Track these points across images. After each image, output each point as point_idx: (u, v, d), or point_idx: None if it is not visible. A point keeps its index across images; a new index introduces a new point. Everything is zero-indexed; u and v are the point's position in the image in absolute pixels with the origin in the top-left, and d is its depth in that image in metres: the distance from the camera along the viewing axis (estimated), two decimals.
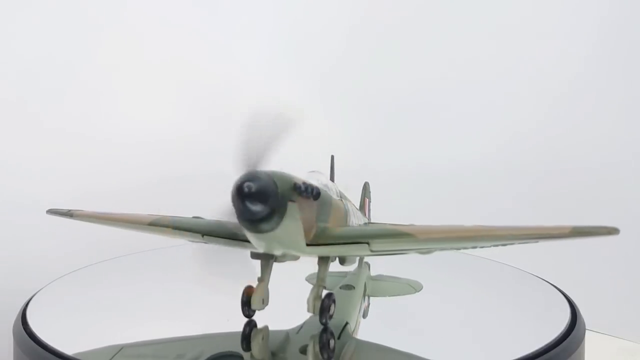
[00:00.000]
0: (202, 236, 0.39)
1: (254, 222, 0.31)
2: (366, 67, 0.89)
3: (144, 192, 0.76)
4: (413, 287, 0.55)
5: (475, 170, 0.85)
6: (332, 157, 0.55)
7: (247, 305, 0.39)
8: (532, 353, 0.40)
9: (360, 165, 0.80)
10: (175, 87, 0.83)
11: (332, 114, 0.88)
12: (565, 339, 0.42)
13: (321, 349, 0.37)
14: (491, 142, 0.85)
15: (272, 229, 0.32)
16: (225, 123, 0.83)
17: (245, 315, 0.39)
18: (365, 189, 0.64)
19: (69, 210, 0.47)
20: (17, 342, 0.43)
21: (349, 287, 0.53)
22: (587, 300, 0.52)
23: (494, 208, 0.80)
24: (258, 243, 0.34)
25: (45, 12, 0.73)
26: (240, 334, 0.39)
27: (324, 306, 0.37)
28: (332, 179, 0.51)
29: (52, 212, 0.48)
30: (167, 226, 0.41)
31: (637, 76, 0.79)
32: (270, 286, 0.46)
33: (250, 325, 0.39)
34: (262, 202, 0.30)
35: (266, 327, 0.40)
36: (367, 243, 0.36)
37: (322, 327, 0.37)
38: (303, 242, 0.34)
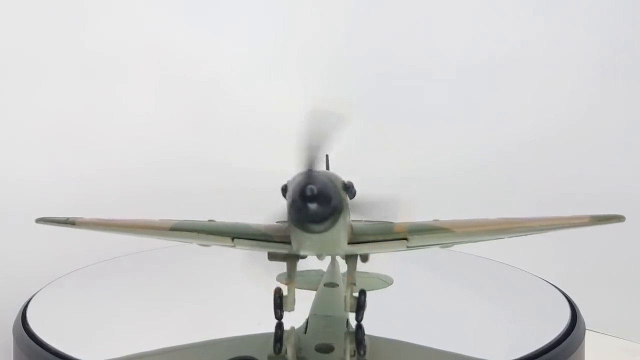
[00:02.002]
0: (232, 239, 0.38)
1: (315, 223, 0.31)
2: (366, 67, 0.89)
3: (128, 193, 0.76)
4: (385, 281, 0.54)
5: (474, 170, 0.85)
6: (327, 156, 0.55)
7: (280, 307, 0.38)
8: (532, 353, 0.40)
9: (357, 164, 0.80)
10: (162, 84, 0.81)
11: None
12: (565, 339, 0.42)
13: (358, 345, 0.37)
14: (489, 144, 0.85)
15: (328, 229, 0.32)
16: (213, 122, 0.84)
17: (277, 318, 0.39)
18: None
19: (68, 219, 0.42)
20: (17, 342, 0.43)
21: (333, 284, 0.53)
22: (587, 300, 0.52)
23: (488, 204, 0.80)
24: (307, 244, 0.34)
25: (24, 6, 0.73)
26: (273, 336, 0.38)
27: (360, 304, 0.37)
28: None
29: (44, 221, 0.42)
30: (192, 230, 0.39)
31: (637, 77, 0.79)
32: (252, 289, 0.47)
33: (282, 327, 0.39)
34: (326, 203, 0.30)
35: (293, 329, 0.40)
36: (406, 239, 0.36)
37: (356, 324, 0.38)
38: (346, 241, 0.35)
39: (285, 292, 0.39)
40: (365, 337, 0.38)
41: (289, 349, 0.38)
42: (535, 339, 0.42)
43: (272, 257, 0.41)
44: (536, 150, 0.83)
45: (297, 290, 0.53)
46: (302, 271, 0.57)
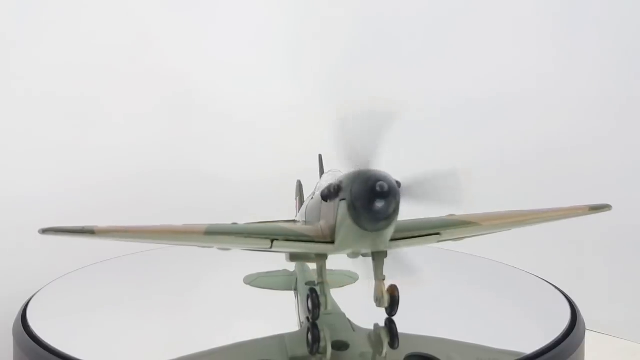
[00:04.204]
0: (271, 242, 0.37)
1: (381, 220, 0.32)
2: (363, 69, 0.89)
3: (106, 203, 0.75)
4: (352, 277, 0.55)
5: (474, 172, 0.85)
6: (320, 156, 0.55)
7: (318, 307, 0.38)
8: (532, 353, 0.40)
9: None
10: (155, 85, 0.81)
11: (324, 114, 0.87)
12: (565, 339, 0.42)
13: (392, 338, 0.39)
14: (487, 147, 0.85)
15: (388, 226, 0.32)
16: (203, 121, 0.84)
17: (314, 318, 0.39)
18: (299, 187, 0.65)
19: (84, 228, 0.35)
20: (17, 342, 0.43)
21: (314, 283, 0.53)
22: (587, 300, 0.52)
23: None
24: (359, 243, 0.34)
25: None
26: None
27: (395, 300, 0.38)
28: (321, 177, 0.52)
29: (54, 231, 0.35)
30: (229, 234, 0.37)
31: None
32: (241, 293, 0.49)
33: (317, 328, 0.39)
34: (394, 200, 0.31)
35: (327, 329, 0.40)
36: (439, 234, 0.38)
37: (388, 318, 0.39)
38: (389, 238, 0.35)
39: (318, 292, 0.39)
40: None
41: (327, 349, 0.38)
42: (535, 339, 0.42)
43: (293, 257, 0.41)
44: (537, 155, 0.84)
45: (267, 292, 0.54)
46: (271, 272, 0.57)
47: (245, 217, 0.46)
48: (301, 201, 0.64)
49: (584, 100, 0.82)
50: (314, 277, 0.54)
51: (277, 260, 0.47)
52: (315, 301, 0.38)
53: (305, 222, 0.44)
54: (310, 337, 0.38)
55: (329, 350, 0.38)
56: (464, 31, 0.86)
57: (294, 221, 0.59)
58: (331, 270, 0.55)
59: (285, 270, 0.59)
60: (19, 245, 0.69)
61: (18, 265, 0.69)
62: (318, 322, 0.40)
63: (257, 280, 0.56)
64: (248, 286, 0.55)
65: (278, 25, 0.88)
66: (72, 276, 0.59)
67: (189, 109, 0.83)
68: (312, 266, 0.56)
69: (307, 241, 0.37)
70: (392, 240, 0.35)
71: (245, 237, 0.36)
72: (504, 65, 0.85)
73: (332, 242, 0.36)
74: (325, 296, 0.38)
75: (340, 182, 0.34)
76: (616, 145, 0.81)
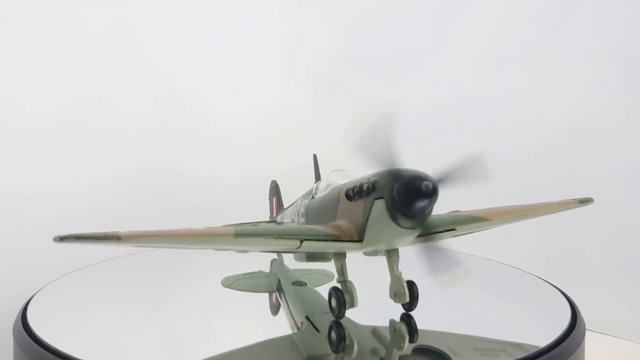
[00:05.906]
0: (301, 242, 0.36)
1: (423, 217, 0.32)
2: (360, 70, 0.89)
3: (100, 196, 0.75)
4: (327, 276, 0.55)
5: None
6: (315, 155, 0.55)
7: (344, 305, 0.38)
8: (532, 353, 0.40)
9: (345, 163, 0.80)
10: (148, 88, 0.81)
11: (318, 114, 0.87)
12: (565, 339, 0.42)
13: (412, 332, 0.40)
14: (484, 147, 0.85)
15: (425, 222, 0.33)
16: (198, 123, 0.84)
17: (339, 317, 0.38)
18: (276, 187, 0.66)
19: (107, 234, 0.33)
20: (17, 342, 0.43)
21: (301, 283, 0.53)
22: (587, 300, 0.52)
23: None
24: (388, 241, 0.35)
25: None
26: (335, 336, 0.38)
27: (414, 295, 0.39)
28: (318, 177, 0.52)
29: (71, 239, 0.34)
30: (259, 235, 0.36)
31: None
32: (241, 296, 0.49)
33: (342, 327, 0.38)
34: (435, 197, 0.32)
35: (351, 328, 0.40)
36: (454, 229, 0.39)
37: (405, 313, 0.40)
38: None
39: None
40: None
41: (355, 346, 0.38)
42: (535, 339, 0.42)
43: (310, 258, 0.41)
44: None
45: (242, 293, 0.54)
46: (248, 273, 0.58)
47: (241, 218, 0.46)
48: (279, 202, 0.64)
49: (581, 101, 0.82)
50: (298, 277, 0.55)
51: (252, 261, 0.47)
52: (340, 299, 0.38)
53: (307, 222, 0.44)
54: (334, 335, 0.38)
55: (356, 348, 0.38)
56: (462, 32, 0.86)
57: (274, 221, 0.59)
58: (308, 270, 0.56)
59: (261, 271, 0.59)
60: (18, 245, 0.69)
61: (18, 265, 0.69)
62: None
63: (236, 283, 0.56)
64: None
65: (272, 26, 0.88)
66: (72, 276, 0.59)
67: (181, 111, 0.83)
68: (292, 265, 0.58)
69: (335, 240, 0.37)
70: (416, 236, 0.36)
71: (276, 238, 0.36)
72: (502, 67, 0.85)
73: (359, 241, 0.36)
74: (351, 294, 0.38)
75: (375, 181, 0.34)
76: (614, 145, 0.81)
